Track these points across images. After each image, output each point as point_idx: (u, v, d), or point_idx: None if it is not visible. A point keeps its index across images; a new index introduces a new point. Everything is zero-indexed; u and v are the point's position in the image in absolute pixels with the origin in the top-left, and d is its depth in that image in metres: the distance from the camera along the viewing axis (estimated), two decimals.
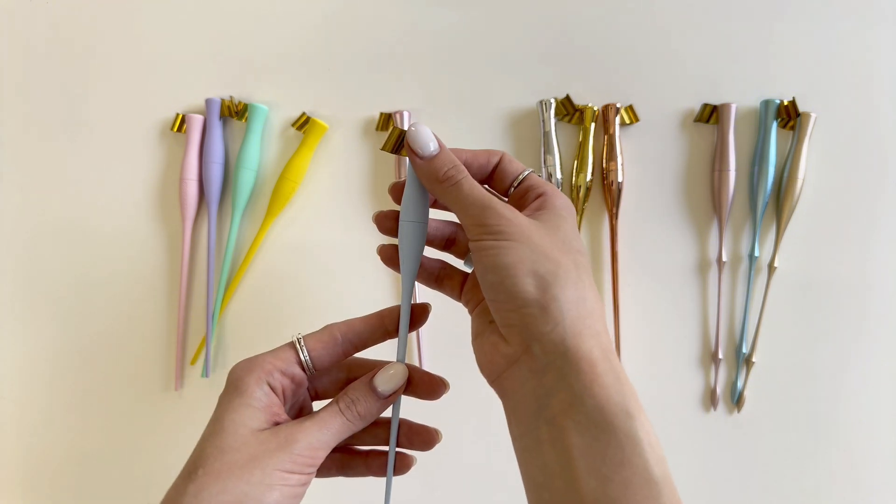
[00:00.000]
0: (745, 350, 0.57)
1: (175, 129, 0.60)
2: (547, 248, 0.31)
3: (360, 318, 0.36)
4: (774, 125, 0.56)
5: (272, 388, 0.33)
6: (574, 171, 0.57)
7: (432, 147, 0.33)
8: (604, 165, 0.57)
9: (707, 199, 0.58)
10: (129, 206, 0.61)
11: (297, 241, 0.60)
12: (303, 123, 0.59)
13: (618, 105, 0.57)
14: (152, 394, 0.60)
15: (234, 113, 0.59)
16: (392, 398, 0.35)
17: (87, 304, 0.61)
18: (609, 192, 0.57)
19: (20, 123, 0.61)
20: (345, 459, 0.38)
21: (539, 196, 0.34)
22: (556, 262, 0.31)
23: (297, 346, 0.34)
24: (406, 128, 0.35)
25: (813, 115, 0.55)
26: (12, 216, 0.62)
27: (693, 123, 0.58)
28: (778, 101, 0.56)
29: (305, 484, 0.32)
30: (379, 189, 0.59)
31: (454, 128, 0.59)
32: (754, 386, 0.57)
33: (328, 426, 0.32)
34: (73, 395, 0.61)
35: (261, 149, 0.60)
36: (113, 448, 0.60)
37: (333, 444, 0.33)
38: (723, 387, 0.58)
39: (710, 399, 0.58)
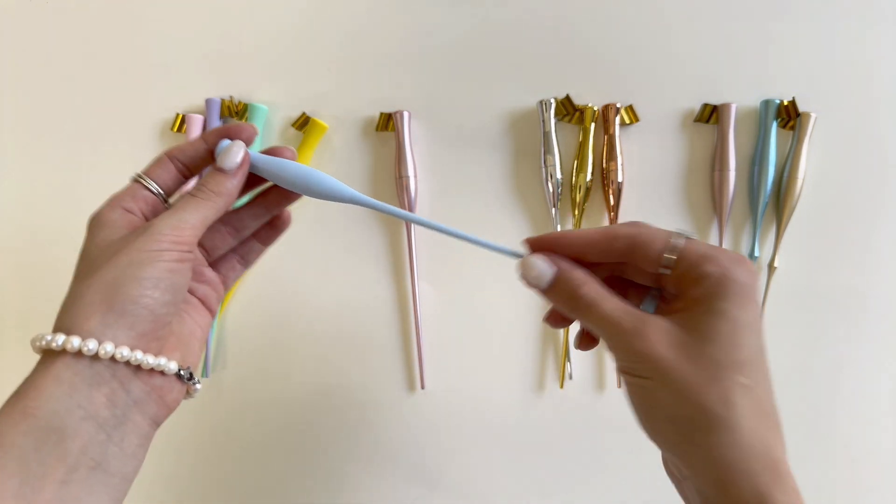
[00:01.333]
0: None
1: (175, 129, 0.60)
2: (688, 387, 0.29)
3: (188, 141, 0.37)
4: (774, 125, 0.56)
5: (127, 210, 0.34)
6: (574, 171, 0.57)
7: (549, 277, 0.32)
8: (604, 165, 0.57)
9: (707, 199, 0.58)
10: None
11: (297, 242, 0.60)
12: (303, 123, 0.59)
13: (618, 105, 0.57)
14: None
15: (234, 113, 0.59)
16: (240, 173, 0.36)
17: None
18: (609, 192, 0.57)
19: (20, 124, 0.61)
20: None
21: (698, 281, 0.30)
22: (697, 406, 0.28)
23: (137, 176, 0.35)
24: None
25: (813, 115, 0.55)
26: (12, 217, 0.61)
27: (693, 123, 0.58)
28: (778, 101, 0.56)
29: (183, 260, 0.32)
30: (378, 189, 0.59)
31: (454, 128, 0.59)
32: None
33: (185, 208, 0.33)
34: None
35: (261, 149, 0.59)
36: None
37: (200, 224, 0.33)
38: None
39: None
